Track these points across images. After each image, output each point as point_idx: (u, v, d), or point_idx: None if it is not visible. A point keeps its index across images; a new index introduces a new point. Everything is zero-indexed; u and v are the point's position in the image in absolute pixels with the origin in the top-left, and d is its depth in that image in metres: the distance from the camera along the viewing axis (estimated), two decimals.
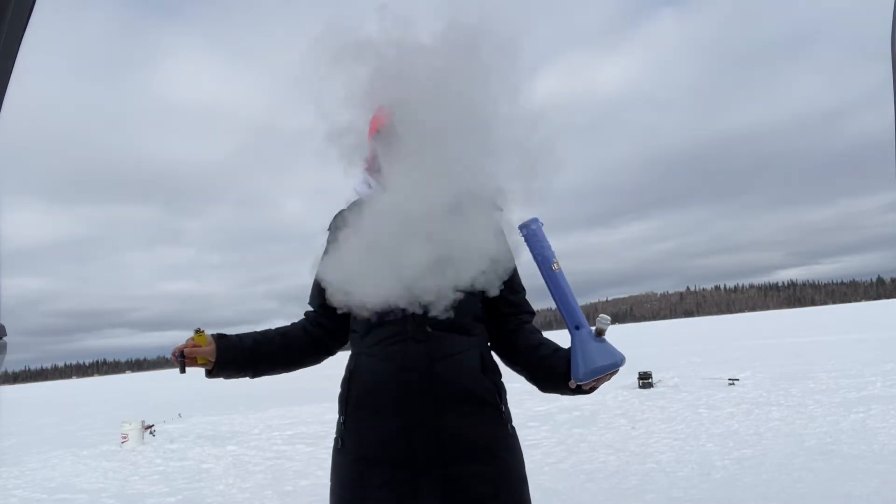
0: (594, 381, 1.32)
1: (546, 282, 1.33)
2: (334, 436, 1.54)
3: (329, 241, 1.59)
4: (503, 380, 1.54)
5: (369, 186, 1.58)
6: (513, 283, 1.54)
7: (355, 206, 1.60)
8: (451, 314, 1.39)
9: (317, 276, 1.57)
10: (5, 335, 0.85)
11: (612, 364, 1.28)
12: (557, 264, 1.30)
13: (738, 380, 10.80)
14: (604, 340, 1.29)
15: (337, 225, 1.58)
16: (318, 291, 1.53)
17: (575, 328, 1.31)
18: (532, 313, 1.59)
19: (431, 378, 1.41)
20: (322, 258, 1.57)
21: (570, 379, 1.35)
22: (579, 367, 1.28)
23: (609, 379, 1.35)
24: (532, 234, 1.32)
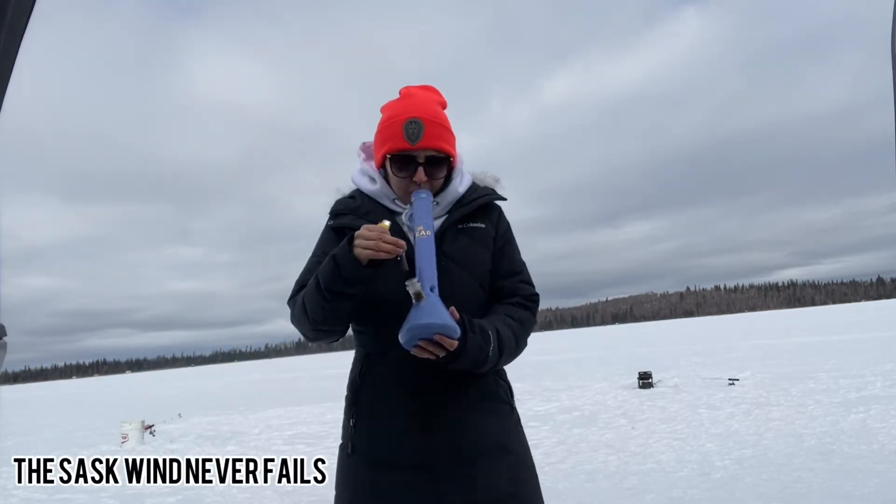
0: (421, 343, 1.26)
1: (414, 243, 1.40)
2: (340, 441, 1.48)
3: (329, 226, 1.54)
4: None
5: (372, 180, 1.52)
6: (502, 268, 1.52)
7: (354, 197, 1.55)
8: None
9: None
10: (5, 335, 0.85)
11: (425, 325, 1.23)
12: (424, 231, 1.36)
13: (738, 380, 10.80)
14: (431, 305, 1.25)
15: (338, 211, 1.53)
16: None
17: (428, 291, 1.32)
18: (526, 296, 1.52)
19: (449, 376, 1.38)
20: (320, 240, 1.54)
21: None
22: (401, 329, 1.27)
23: (441, 351, 1.27)
24: (418, 201, 1.42)
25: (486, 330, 1.35)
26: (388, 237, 1.25)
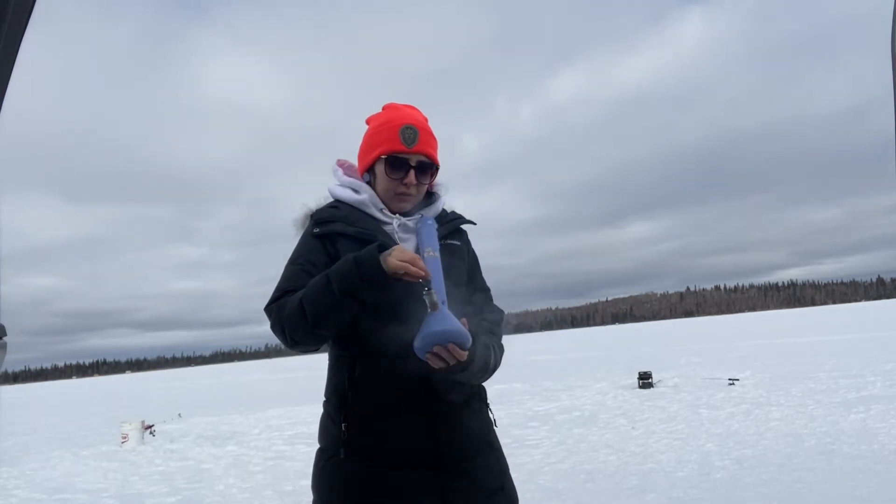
0: (435, 351, 1.30)
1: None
2: (320, 447, 1.47)
3: (314, 234, 1.49)
4: None
5: (355, 192, 1.54)
6: (474, 284, 1.62)
7: (337, 206, 1.53)
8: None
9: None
10: (5, 335, 0.85)
11: (441, 332, 1.29)
12: (432, 252, 1.46)
13: (738, 380, 10.80)
14: (445, 314, 1.32)
15: (326, 219, 1.50)
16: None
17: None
18: (497, 312, 1.61)
19: (447, 376, 1.39)
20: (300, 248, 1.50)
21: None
22: (416, 336, 1.33)
23: (453, 360, 1.31)
24: (425, 227, 1.53)
25: (488, 345, 1.44)
26: (422, 263, 1.32)
